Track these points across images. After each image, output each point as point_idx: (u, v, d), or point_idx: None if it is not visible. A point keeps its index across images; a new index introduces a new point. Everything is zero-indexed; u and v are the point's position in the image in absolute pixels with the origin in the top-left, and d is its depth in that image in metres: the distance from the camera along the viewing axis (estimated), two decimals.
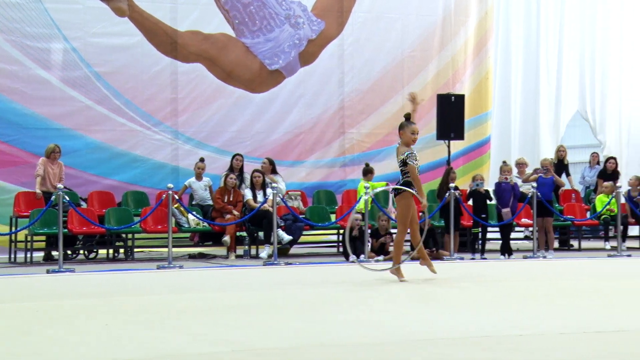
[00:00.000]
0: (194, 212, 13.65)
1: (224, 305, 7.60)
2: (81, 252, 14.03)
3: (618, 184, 15.23)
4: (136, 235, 13.94)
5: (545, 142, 18.66)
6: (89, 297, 8.33)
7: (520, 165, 16.03)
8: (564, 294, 8.40)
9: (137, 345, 5.60)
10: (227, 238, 13.54)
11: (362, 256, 12.84)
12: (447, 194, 13.27)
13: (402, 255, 9.77)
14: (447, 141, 16.13)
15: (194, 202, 14.44)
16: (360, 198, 13.42)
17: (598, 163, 17.61)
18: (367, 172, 14.43)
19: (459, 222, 13.86)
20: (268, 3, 16.38)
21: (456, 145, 17.06)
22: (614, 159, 17.07)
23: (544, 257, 13.60)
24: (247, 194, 14.06)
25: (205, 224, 13.79)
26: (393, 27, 17.18)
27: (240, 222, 13.68)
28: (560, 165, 16.57)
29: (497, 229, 14.29)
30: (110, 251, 14.00)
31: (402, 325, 6.35)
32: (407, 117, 9.71)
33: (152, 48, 15.67)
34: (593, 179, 17.33)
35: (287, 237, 13.61)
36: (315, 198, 15.91)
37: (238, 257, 13.71)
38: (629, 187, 15.96)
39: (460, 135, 16.14)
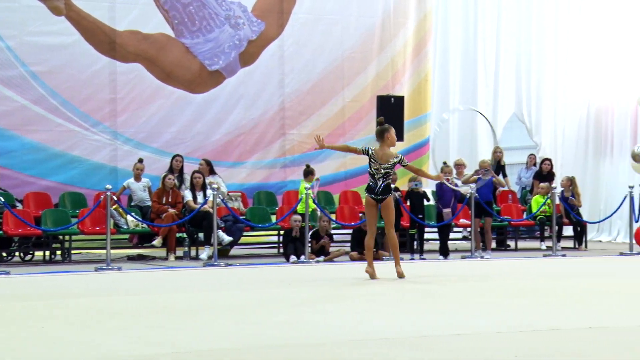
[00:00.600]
0: (133, 214, 13.51)
1: (163, 306, 7.54)
2: (17, 254, 13.78)
3: (553, 185, 15.50)
4: (73, 237, 13.75)
5: (482, 143, 18.90)
6: (24, 300, 8.19)
7: (459, 166, 16.19)
8: (501, 293, 8.52)
9: (75, 348, 5.52)
10: (156, 242, 13.42)
11: (302, 257, 12.86)
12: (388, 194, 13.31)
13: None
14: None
15: (132, 203, 14.30)
16: (300, 199, 13.42)
17: (534, 164, 17.90)
18: (308, 174, 14.45)
19: (399, 222, 13.95)
20: (208, 3, 16.30)
21: (396, 147, 17.14)
22: (549, 160, 17.39)
23: (482, 257, 13.77)
24: (187, 195, 13.97)
25: (144, 225, 13.66)
26: (333, 29, 17.24)
27: (180, 223, 13.58)
28: (497, 167, 16.81)
29: (436, 229, 14.42)
30: (47, 253, 13.78)
31: (342, 325, 6.38)
32: (381, 121, 10.19)
33: (90, 47, 15.47)
34: (529, 180, 17.61)
35: (227, 238, 13.56)
36: (256, 199, 15.87)
37: (178, 258, 13.61)
38: (562, 188, 16.26)
39: (399, 137, 16.20)
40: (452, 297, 8.18)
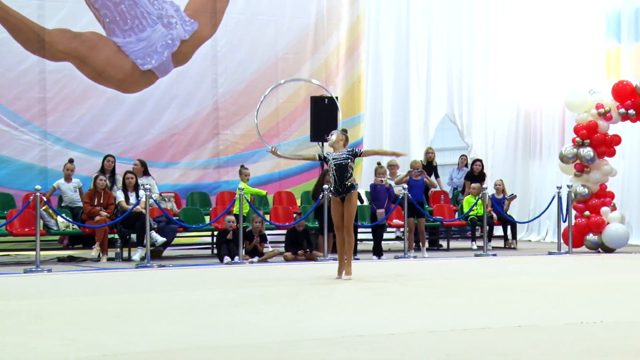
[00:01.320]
0: (63, 214, 13.29)
1: (94, 309, 7.43)
2: None
3: (484, 186, 15.72)
4: (2, 239, 13.45)
5: (415, 144, 19.08)
6: None
7: (392, 167, 16.31)
8: (434, 293, 8.62)
9: (7, 351, 5.40)
10: (94, 252, 13.22)
11: (236, 258, 12.81)
12: (321, 195, 13.38)
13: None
14: (320, 143, 16.27)
15: (63, 204, 14.06)
16: (234, 200, 13.36)
17: (466, 165, 18.14)
18: (242, 174, 14.35)
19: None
20: (140, 2, 16.12)
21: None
22: (480, 161, 17.64)
23: (415, 257, 13.90)
24: (119, 195, 13.79)
25: (75, 226, 13.45)
26: (266, 29, 17.21)
27: (112, 225, 13.41)
28: (429, 167, 16.99)
29: (369, 229, 14.51)
30: None
31: (276, 325, 6.37)
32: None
33: (18, 45, 15.15)
34: (461, 180, 17.84)
35: (160, 239, 13.42)
36: (189, 200, 15.75)
37: (109, 259, 13.42)
38: (495, 190, 16.52)
39: None
40: (386, 297, 8.24)
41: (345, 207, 10.03)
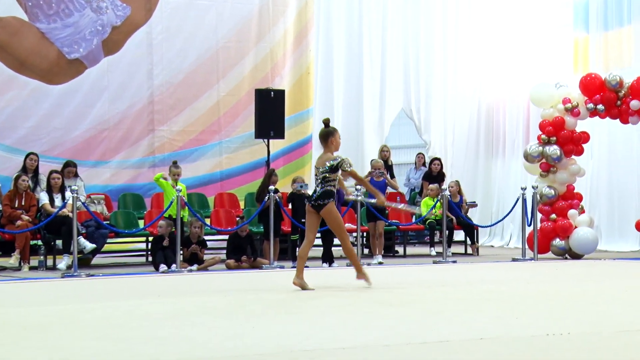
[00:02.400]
0: None
1: (13, 322, 7.30)
2: None
3: (443, 187, 15.82)
4: None
5: (369, 141, 19.14)
6: None
7: None
8: (389, 302, 8.62)
9: None
10: (13, 259, 13.01)
11: (173, 266, 12.70)
12: (267, 197, 13.33)
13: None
14: (266, 140, 16.23)
15: None
16: (172, 202, 13.24)
17: (424, 164, 18.24)
18: (171, 172, 14.09)
19: (280, 227, 13.96)
20: None
21: (276, 145, 17.21)
22: (439, 160, 17.75)
23: (368, 264, 13.92)
24: (43, 197, 13.58)
25: None
26: (206, 15, 17.13)
27: (35, 230, 13.21)
28: (385, 167, 17.03)
29: (318, 235, 14.48)
30: None
31: (216, 340, 6.32)
32: (327, 122, 9.97)
33: None
34: (418, 181, 17.93)
35: (89, 246, 13.26)
36: (122, 202, 15.60)
37: (32, 268, 13.21)
38: (450, 193, 16.60)
39: (280, 134, 16.28)
40: (336, 307, 8.22)
41: (327, 222, 10.08)
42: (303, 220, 13.72)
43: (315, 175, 9.90)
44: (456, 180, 17.07)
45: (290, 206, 14.04)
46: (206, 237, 13.91)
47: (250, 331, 6.73)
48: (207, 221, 14.52)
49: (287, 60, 17.97)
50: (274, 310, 8.10)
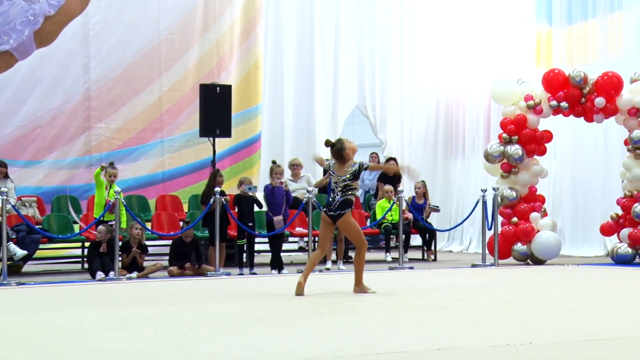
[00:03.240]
0: None
1: None
2: None
3: (400, 188, 15.89)
4: None
5: (321, 140, 19.13)
6: None
7: (295, 167, 16.34)
8: (341, 311, 8.64)
9: None
10: None
11: (111, 273, 12.61)
12: (212, 199, 13.28)
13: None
14: (211, 138, 16.18)
15: None
16: (109, 205, 13.12)
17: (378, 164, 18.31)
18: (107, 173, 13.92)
19: (226, 232, 13.92)
20: None
21: (222, 144, 17.16)
22: (395, 159, 17.82)
23: (320, 270, 13.93)
24: None
25: None
26: (147, 5, 17.03)
27: None
28: None
29: (266, 240, 14.47)
30: None
31: (157, 353, 6.29)
32: (328, 143, 10.26)
33: None
34: (373, 182, 17.99)
35: (20, 252, 13.09)
36: (55, 205, 15.44)
37: None
38: (415, 194, 16.69)
39: (227, 132, 16.23)
40: (287, 318, 8.22)
41: (343, 231, 10.59)
42: (250, 224, 13.76)
43: (335, 183, 10.20)
44: (422, 181, 17.13)
45: (237, 209, 14.01)
46: (147, 243, 13.83)
47: (194, 343, 6.70)
48: (148, 225, 14.43)
49: (234, 53, 17.92)
50: (220, 320, 8.08)
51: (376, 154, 18.74)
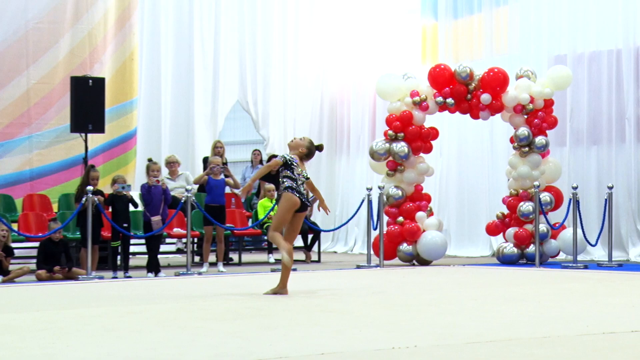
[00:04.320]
0: None
1: None
2: None
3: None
4: None
5: (201, 137, 19.05)
6: None
7: (172, 164, 16.21)
8: (220, 317, 8.60)
9: None
10: None
11: None
12: (84, 198, 13.05)
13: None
14: (84, 134, 15.93)
15: None
16: None
17: (261, 162, 18.30)
18: None
19: (99, 233, 13.71)
20: None
21: (95, 140, 16.93)
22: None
23: (199, 273, 13.85)
24: None
25: None
26: None
27: None
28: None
29: (143, 241, 14.32)
30: None
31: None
32: (320, 148, 10.99)
33: None
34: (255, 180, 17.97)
35: None
36: None
37: None
38: None
39: (100, 128, 16.01)
40: (161, 322, 8.14)
41: (296, 222, 10.70)
42: (125, 224, 13.58)
43: (299, 174, 10.59)
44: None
45: (110, 209, 13.80)
46: (13, 245, 13.52)
47: (64, 351, 6.58)
48: (14, 226, 14.11)
49: (108, 44, 17.67)
50: (91, 326, 7.95)
51: (259, 151, 18.73)
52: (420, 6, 19.01)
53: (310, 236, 16.92)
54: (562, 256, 15.95)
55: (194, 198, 13.91)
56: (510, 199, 15.90)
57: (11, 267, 13.18)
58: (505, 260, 15.66)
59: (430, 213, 15.93)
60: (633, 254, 16.24)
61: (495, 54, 17.76)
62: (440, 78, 15.64)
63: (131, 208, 13.91)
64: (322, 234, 17.41)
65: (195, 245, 16.33)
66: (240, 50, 19.64)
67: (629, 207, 16.44)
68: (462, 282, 12.45)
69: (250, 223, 16.48)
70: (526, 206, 15.51)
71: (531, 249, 15.46)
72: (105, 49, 17.63)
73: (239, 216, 16.61)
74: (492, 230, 16.24)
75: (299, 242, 17.35)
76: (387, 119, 15.87)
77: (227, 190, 16.73)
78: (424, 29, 19.00)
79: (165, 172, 15.92)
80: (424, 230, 15.54)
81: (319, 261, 16.68)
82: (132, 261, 14.67)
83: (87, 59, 17.31)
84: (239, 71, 19.66)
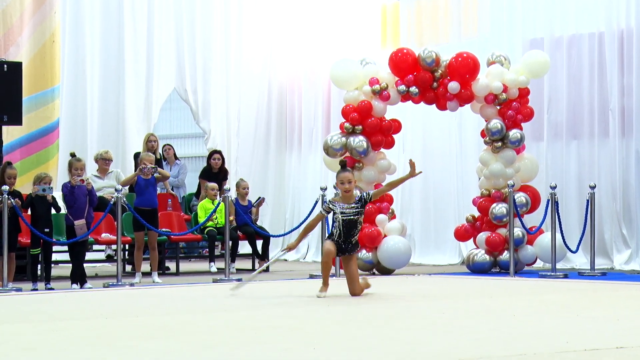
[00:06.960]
0: None
1: None
2: None
3: (226, 187, 15.87)
4: None
5: (132, 130, 18.95)
6: None
7: (107, 161, 16.12)
8: (150, 332, 8.56)
9: None
10: None
11: None
12: None
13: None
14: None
15: None
16: None
17: (175, 157, 18.24)
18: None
19: (16, 239, 13.59)
20: None
21: (12, 133, 16.80)
22: (220, 153, 17.81)
23: (132, 284, 13.79)
24: None
25: None
26: None
27: None
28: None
29: (67, 248, 14.21)
30: None
31: None
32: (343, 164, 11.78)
33: None
34: (194, 179, 17.94)
35: None
36: None
37: None
38: (237, 194, 16.65)
39: (16, 119, 15.91)
40: (93, 338, 8.08)
41: (352, 266, 11.63)
42: (46, 229, 13.46)
43: (335, 217, 11.45)
44: (245, 181, 17.16)
45: (29, 212, 13.69)
46: None
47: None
48: None
49: (25, 25, 17.52)
50: (5, 345, 7.88)
51: (170, 145, 18.46)
52: None
53: (260, 242, 16.89)
54: (539, 264, 16.06)
55: (124, 199, 13.82)
56: (481, 200, 15.97)
57: None
58: (476, 268, 15.73)
59: (392, 216, 15.95)
60: (618, 261, 16.37)
61: (464, 38, 17.83)
62: (403, 64, 15.66)
63: (53, 212, 13.79)
64: (272, 239, 17.36)
65: (127, 252, 16.23)
66: (177, 32, 19.55)
67: (613, 209, 16.56)
68: (428, 294, 12.48)
69: (188, 228, 16.40)
70: (499, 208, 15.59)
71: (505, 256, 15.54)
72: (21, 29, 17.48)
73: (176, 220, 16.54)
74: (461, 235, 16.29)
75: (246, 248, 17.32)
76: (343, 109, 15.86)
77: (162, 189, 16.70)
78: (384, 8, 19.03)
79: (93, 169, 15.82)
80: (385, 236, 15.56)
81: (267, 270, 16.65)
82: (55, 271, 14.56)
83: (2, 41, 17.16)
84: (176, 55, 19.57)
